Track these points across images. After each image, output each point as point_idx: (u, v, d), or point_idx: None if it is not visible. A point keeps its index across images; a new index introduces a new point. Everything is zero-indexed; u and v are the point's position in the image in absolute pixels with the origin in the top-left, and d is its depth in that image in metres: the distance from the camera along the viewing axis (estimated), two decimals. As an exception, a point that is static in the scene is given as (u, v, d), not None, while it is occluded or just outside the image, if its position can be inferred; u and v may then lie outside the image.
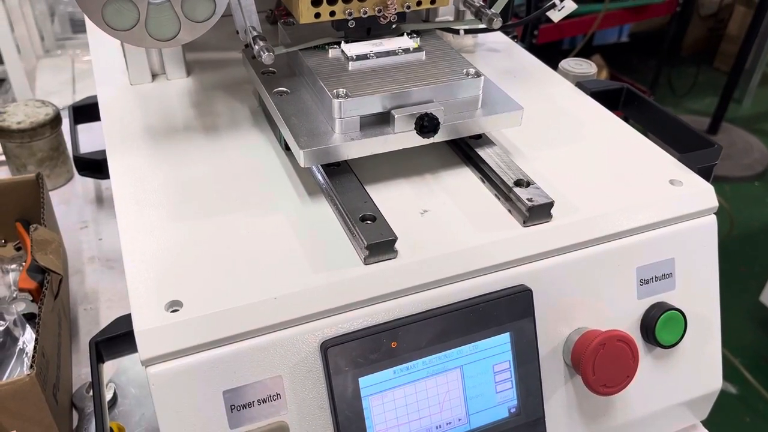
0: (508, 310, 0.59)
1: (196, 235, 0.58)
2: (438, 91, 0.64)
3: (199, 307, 0.52)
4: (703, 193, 0.66)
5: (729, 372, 1.93)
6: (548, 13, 0.87)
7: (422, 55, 0.68)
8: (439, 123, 0.61)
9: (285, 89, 0.68)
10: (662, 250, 0.65)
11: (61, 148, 1.06)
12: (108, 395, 0.76)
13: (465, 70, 0.66)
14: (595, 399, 0.63)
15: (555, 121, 0.77)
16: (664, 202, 0.65)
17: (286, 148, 0.68)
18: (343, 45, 0.68)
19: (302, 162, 0.60)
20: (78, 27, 3.01)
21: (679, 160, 0.70)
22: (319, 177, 0.65)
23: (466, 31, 0.88)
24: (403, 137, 0.63)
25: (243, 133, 0.73)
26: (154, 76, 0.81)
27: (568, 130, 0.75)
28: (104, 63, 0.85)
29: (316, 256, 0.57)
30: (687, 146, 0.73)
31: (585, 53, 3.05)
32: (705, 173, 0.68)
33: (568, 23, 2.85)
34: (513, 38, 1.00)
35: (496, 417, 0.60)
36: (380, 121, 0.63)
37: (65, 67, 2.62)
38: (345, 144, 0.61)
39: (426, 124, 0.61)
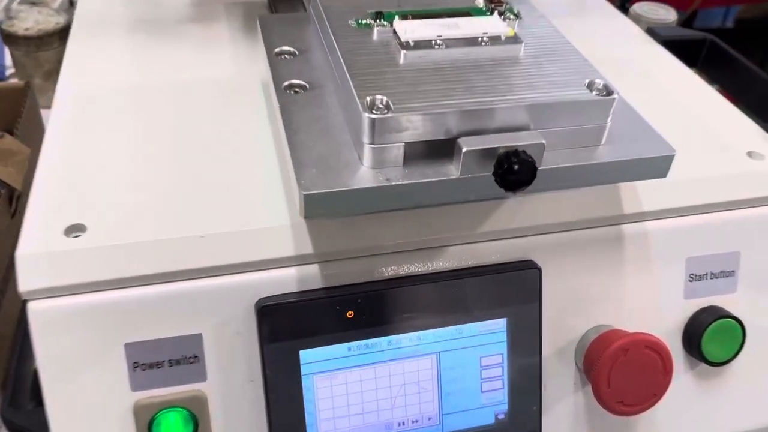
0: (508, 290, 0.46)
1: (128, 153, 0.48)
2: (538, 113, 0.40)
3: (105, 235, 0.41)
4: (790, 172, 0.51)
5: None
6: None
7: (519, 49, 0.45)
8: (535, 168, 0.38)
9: (302, 82, 0.46)
10: (725, 239, 0.51)
11: (72, 62, 0.99)
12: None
13: (586, 80, 0.43)
14: (607, 418, 0.49)
15: (613, 71, 0.62)
16: (736, 178, 0.50)
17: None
18: (396, 21, 0.45)
19: (302, 211, 0.38)
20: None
21: (766, 129, 0.56)
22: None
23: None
24: (471, 184, 0.39)
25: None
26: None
27: (628, 82, 0.60)
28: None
29: (264, 192, 0.45)
30: (780, 116, 0.58)
31: (683, 34, 2.79)
32: (797, 148, 0.53)
33: (668, -4, 2.60)
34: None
35: (479, 422, 0.48)
36: (437, 152, 0.40)
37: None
38: (375, 188, 0.38)
39: (515, 169, 0.37)
